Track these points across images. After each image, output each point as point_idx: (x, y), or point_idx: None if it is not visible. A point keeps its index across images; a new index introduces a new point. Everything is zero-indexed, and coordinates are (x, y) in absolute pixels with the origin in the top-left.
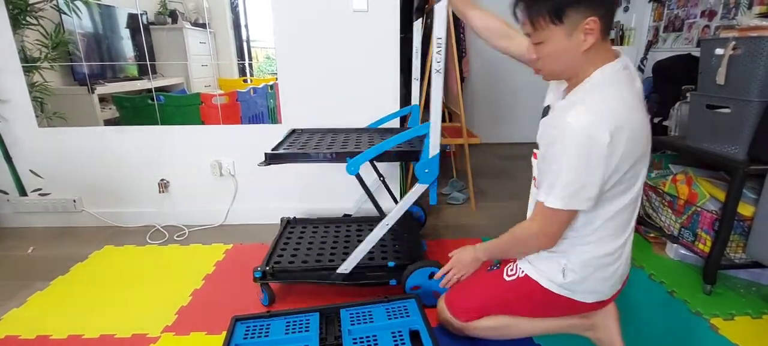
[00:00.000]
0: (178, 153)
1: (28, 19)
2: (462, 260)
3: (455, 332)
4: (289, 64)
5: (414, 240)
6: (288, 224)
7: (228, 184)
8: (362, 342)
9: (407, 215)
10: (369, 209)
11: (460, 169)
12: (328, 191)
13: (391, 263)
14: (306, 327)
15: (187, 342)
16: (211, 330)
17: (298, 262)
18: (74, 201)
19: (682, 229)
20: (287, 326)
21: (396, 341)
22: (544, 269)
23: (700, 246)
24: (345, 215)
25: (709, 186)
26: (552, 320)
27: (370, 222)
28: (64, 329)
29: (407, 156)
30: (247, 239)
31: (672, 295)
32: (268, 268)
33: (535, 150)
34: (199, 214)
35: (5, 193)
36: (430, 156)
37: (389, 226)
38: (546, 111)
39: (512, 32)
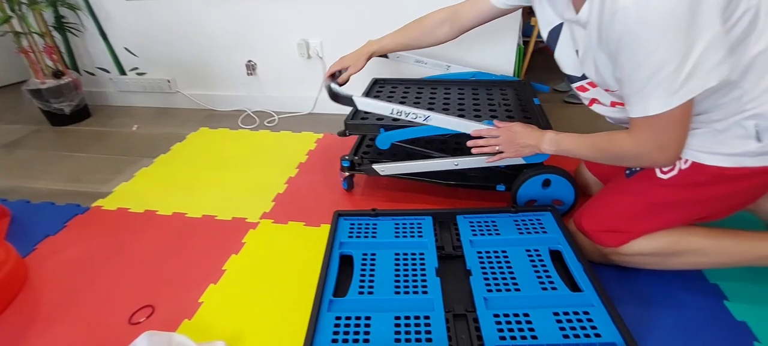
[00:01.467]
0: (264, 31)
1: None
2: (518, 142)
3: (599, 261)
4: None
5: None
6: (375, 83)
7: (316, 68)
8: (489, 257)
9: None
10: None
11: None
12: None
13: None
14: (419, 232)
15: (286, 231)
16: (309, 221)
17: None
18: (169, 81)
19: None
20: (396, 228)
21: (533, 261)
22: (722, 148)
23: None
24: None
25: None
26: (746, 242)
27: (474, 85)
28: (169, 206)
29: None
30: (337, 129)
31: None
32: (356, 157)
33: (575, 85)
34: (288, 100)
35: (107, 71)
36: None
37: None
38: (555, 34)
39: (447, 13)
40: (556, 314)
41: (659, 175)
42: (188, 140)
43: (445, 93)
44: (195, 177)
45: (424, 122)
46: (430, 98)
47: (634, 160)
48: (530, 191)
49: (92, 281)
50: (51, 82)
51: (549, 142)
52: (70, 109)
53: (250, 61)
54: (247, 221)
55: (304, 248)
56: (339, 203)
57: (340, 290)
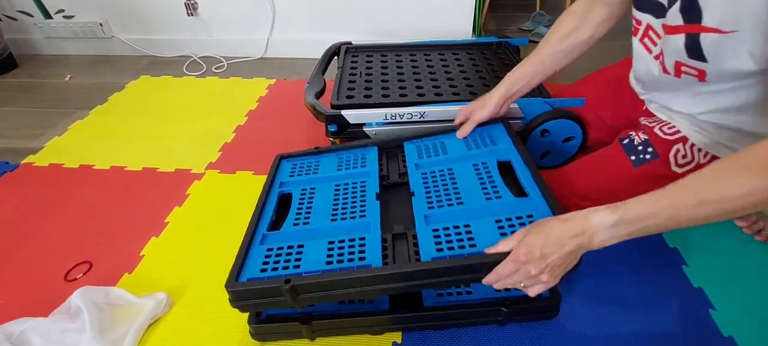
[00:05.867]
0: None
1: None
2: (549, 257)
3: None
4: None
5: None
6: (347, 52)
7: (265, 8)
8: (434, 177)
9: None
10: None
11: None
12: (382, 20)
13: None
14: (362, 163)
15: (233, 180)
16: (258, 170)
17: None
18: (101, 24)
19: None
20: (339, 162)
21: (479, 174)
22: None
23: None
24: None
25: None
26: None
27: (453, 49)
28: (107, 159)
29: None
30: (290, 74)
31: None
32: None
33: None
34: (237, 44)
35: (30, 15)
36: None
37: None
38: None
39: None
40: (498, 221)
41: (674, 168)
42: (128, 90)
43: (428, 62)
44: (135, 129)
45: (421, 119)
46: (414, 71)
47: None
48: (534, 146)
49: (25, 240)
50: None
51: (607, 230)
52: None
53: None
54: (191, 172)
55: (253, 196)
56: (292, 148)
57: (277, 228)
